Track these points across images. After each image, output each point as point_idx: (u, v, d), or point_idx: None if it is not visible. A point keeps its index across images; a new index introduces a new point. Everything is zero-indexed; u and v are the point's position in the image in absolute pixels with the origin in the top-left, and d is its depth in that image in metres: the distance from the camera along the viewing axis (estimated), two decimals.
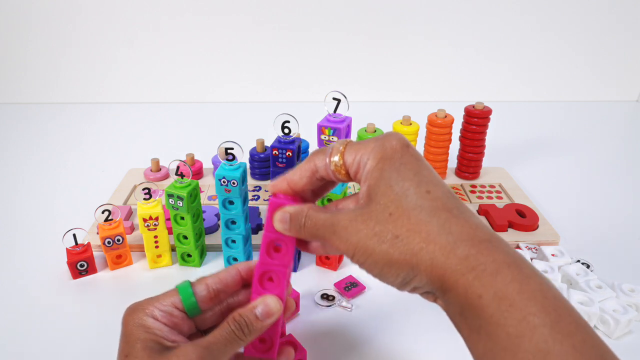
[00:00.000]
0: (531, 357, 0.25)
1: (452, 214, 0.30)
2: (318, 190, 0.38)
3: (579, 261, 0.60)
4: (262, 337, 0.38)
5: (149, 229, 0.57)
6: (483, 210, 0.68)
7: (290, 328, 0.51)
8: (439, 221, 0.29)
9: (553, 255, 0.59)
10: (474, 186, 0.77)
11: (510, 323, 0.26)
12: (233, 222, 0.56)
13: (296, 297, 0.52)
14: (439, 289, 0.29)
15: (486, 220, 0.67)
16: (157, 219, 0.57)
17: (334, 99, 0.51)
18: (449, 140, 0.76)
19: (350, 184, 0.77)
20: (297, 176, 0.35)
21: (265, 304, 0.37)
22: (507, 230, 0.65)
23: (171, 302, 0.37)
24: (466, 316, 0.28)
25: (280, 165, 0.53)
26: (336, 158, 0.33)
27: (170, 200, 0.55)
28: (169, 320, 0.36)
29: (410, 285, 0.30)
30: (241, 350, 0.38)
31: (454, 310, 0.29)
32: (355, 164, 0.33)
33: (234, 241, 0.58)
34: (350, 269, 0.60)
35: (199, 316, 0.39)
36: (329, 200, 0.55)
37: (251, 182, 0.77)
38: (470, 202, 0.72)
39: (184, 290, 0.38)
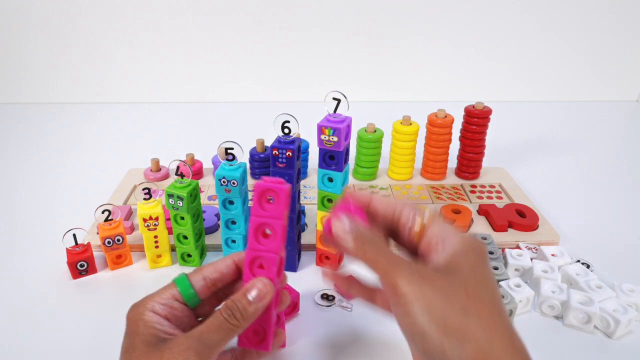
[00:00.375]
0: None
1: (513, 325, 0.31)
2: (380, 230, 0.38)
3: (579, 261, 0.60)
4: (255, 328, 0.39)
5: (149, 229, 0.57)
6: (483, 210, 0.68)
7: (291, 328, 0.51)
8: (504, 323, 0.30)
9: (553, 255, 0.59)
10: (474, 186, 0.77)
11: None
12: (233, 222, 0.57)
13: (296, 296, 0.52)
14: None
15: (486, 220, 0.67)
16: (157, 219, 0.57)
17: (334, 99, 0.51)
18: (449, 140, 0.76)
19: (351, 183, 0.77)
20: (381, 203, 0.37)
21: (256, 286, 0.37)
22: (507, 230, 0.65)
23: (170, 295, 0.38)
24: None
25: (280, 165, 0.53)
26: (425, 219, 0.35)
27: (170, 200, 0.55)
28: (169, 313, 0.37)
29: (445, 356, 0.30)
30: (234, 342, 0.38)
31: None
32: (438, 238, 0.34)
33: (234, 241, 0.58)
34: (351, 269, 0.60)
35: (201, 308, 0.40)
36: (329, 200, 0.55)
37: (251, 182, 0.77)
38: (470, 202, 0.72)
39: (181, 282, 0.39)
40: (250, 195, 0.73)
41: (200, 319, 0.40)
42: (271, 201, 0.37)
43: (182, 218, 0.57)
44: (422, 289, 0.30)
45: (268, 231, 0.38)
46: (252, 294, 0.36)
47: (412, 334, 0.31)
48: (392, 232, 0.38)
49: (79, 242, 0.57)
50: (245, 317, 0.36)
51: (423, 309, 0.30)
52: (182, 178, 0.55)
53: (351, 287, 0.40)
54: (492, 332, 0.29)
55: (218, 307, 0.38)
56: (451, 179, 0.79)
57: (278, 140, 0.53)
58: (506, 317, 0.31)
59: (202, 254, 0.61)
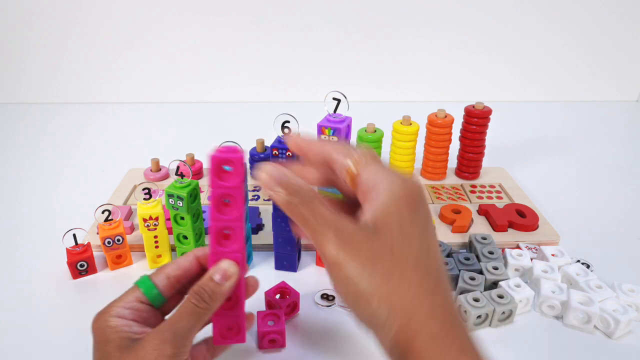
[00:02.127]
0: None
1: (440, 278, 0.31)
2: (318, 178, 0.37)
3: (579, 261, 0.60)
4: (229, 324, 0.39)
5: (149, 229, 0.57)
6: (483, 210, 0.68)
7: (291, 328, 0.51)
8: (427, 285, 0.30)
9: (553, 255, 0.59)
10: (474, 186, 0.77)
11: None
12: None
13: (296, 296, 0.52)
14: (399, 350, 0.29)
15: (486, 220, 0.67)
16: (157, 219, 0.57)
17: (334, 99, 0.51)
18: (449, 140, 0.76)
19: None
20: (313, 147, 0.35)
21: (220, 268, 0.37)
22: (507, 230, 0.65)
23: (134, 298, 0.38)
24: None
25: None
26: (355, 165, 0.33)
27: (170, 200, 0.55)
28: (136, 315, 0.37)
29: (374, 328, 0.30)
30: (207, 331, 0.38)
31: None
32: (370, 183, 0.32)
33: None
34: None
35: (167, 306, 0.40)
36: None
37: (251, 182, 0.77)
38: (470, 202, 0.72)
39: (144, 283, 0.38)
40: (250, 194, 0.74)
41: (167, 317, 0.40)
42: (228, 170, 0.37)
43: (182, 218, 0.56)
44: (349, 256, 0.30)
45: (227, 200, 0.37)
46: (217, 276, 0.36)
47: (345, 300, 0.31)
48: (331, 178, 0.36)
49: (79, 242, 0.57)
50: (213, 299, 0.36)
51: (350, 278, 0.30)
52: (182, 178, 0.55)
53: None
54: (415, 295, 0.29)
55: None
56: (451, 179, 0.79)
57: (278, 140, 0.53)
58: (432, 271, 0.31)
59: None
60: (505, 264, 0.58)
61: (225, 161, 0.36)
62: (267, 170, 0.33)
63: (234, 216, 0.37)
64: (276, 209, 0.57)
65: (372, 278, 0.29)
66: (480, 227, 0.66)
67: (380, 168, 0.33)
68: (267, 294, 0.52)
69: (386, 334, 0.30)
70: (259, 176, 0.33)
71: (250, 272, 0.59)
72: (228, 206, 0.37)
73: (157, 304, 0.39)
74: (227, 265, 0.37)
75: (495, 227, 0.65)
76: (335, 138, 0.51)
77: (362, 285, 0.30)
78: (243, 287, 0.39)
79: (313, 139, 0.36)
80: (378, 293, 0.29)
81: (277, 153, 0.53)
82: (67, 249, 0.57)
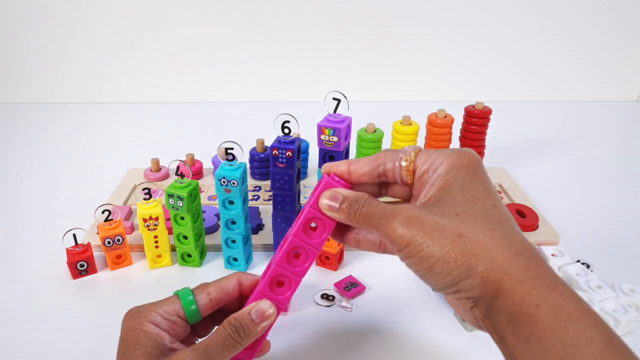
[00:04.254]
0: None
1: (514, 229, 0.31)
2: (370, 188, 0.37)
3: (579, 261, 0.60)
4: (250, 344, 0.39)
5: (149, 229, 0.57)
6: None
7: (291, 328, 0.51)
8: (502, 232, 0.30)
9: (553, 255, 0.59)
10: None
11: (566, 333, 0.27)
12: (233, 222, 0.56)
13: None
14: (489, 294, 0.29)
15: None
16: (157, 219, 0.57)
17: (334, 99, 0.51)
18: (449, 140, 0.76)
19: None
20: (361, 164, 0.35)
21: (259, 307, 0.37)
22: None
23: (173, 310, 0.37)
24: (515, 325, 0.28)
25: (280, 165, 0.53)
26: (412, 154, 0.34)
27: (170, 200, 0.55)
28: (169, 327, 0.36)
29: (458, 286, 0.30)
30: None
31: (500, 318, 0.29)
32: (427, 164, 0.33)
33: (234, 241, 0.58)
34: (351, 269, 0.60)
35: (197, 324, 0.39)
36: None
37: (251, 182, 0.77)
38: None
39: (186, 297, 0.38)
40: (250, 194, 0.74)
41: (200, 340, 0.40)
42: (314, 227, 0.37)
43: (182, 218, 0.57)
44: (415, 231, 0.30)
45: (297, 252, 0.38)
46: (254, 314, 0.37)
47: (421, 274, 0.31)
48: (382, 185, 0.37)
49: (79, 242, 0.57)
50: (248, 336, 0.36)
51: (421, 250, 0.30)
52: (182, 178, 0.55)
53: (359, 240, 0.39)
54: (491, 244, 0.29)
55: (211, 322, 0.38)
56: None
57: (278, 140, 0.53)
58: (504, 223, 0.31)
59: (202, 254, 0.61)
60: None
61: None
62: (326, 196, 0.35)
63: (300, 269, 0.37)
64: (276, 209, 0.57)
65: (442, 242, 0.30)
66: None
67: (432, 151, 0.34)
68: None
69: (471, 284, 0.29)
70: (321, 205, 0.35)
71: (251, 272, 0.59)
72: (297, 258, 0.38)
73: (192, 320, 0.38)
74: (266, 306, 0.37)
75: None
76: (335, 138, 0.51)
77: (434, 252, 0.30)
78: (265, 335, 0.38)
79: (362, 162, 0.36)
80: (452, 253, 0.29)
81: (277, 153, 0.53)
82: (67, 249, 0.57)
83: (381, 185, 0.37)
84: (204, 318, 0.39)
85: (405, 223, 0.31)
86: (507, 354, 0.29)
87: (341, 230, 0.38)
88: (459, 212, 0.30)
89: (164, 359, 0.34)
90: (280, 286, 0.38)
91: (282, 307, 0.38)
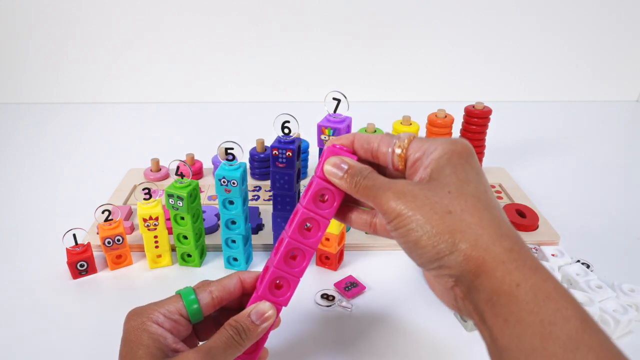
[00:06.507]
0: (562, 344, 0.27)
1: (502, 215, 0.32)
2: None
3: (579, 261, 0.60)
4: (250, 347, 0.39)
5: (149, 229, 0.57)
6: None
7: (291, 328, 0.51)
8: (491, 215, 0.31)
9: (553, 255, 0.59)
10: None
11: (544, 312, 0.27)
12: (233, 222, 0.57)
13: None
14: (471, 272, 0.29)
15: None
16: (157, 219, 0.57)
17: (334, 99, 0.51)
18: None
19: None
20: (363, 139, 0.36)
21: (259, 309, 0.37)
22: None
23: (175, 309, 0.37)
24: (495, 303, 0.29)
25: (280, 165, 0.53)
26: (405, 141, 0.34)
27: (170, 200, 0.55)
28: (172, 327, 0.36)
29: (441, 262, 0.30)
30: None
31: (480, 297, 0.29)
32: (420, 151, 0.34)
33: (234, 241, 0.58)
34: (351, 269, 0.60)
35: (199, 323, 0.39)
36: None
37: (251, 182, 0.77)
38: None
39: (187, 296, 0.38)
40: (250, 194, 0.74)
41: (201, 343, 0.40)
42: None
43: (182, 218, 0.57)
44: (406, 205, 0.31)
45: (293, 254, 0.38)
46: (254, 316, 0.37)
47: (407, 247, 0.32)
48: (376, 167, 0.37)
49: (79, 242, 0.57)
50: (249, 337, 0.36)
51: (409, 223, 0.31)
52: (182, 178, 0.55)
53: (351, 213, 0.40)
54: (478, 224, 0.30)
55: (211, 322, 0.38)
56: None
57: (278, 140, 0.53)
58: (492, 207, 0.31)
59: (202, 254, 0.61)
60: None
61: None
62: (331, 162, 0.36)
63: (298, 270, 0.38)
64: (276, 209, 0.57)
65: (431, 217, 0.30)
66: None
67: (426, 139, 0.35)
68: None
69: (454, 260, 0.30)
70: (325, 169, 0.36)
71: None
72: (294, 259, 0.38)
73: (194, 320, 0.38)
74: (266, 308, 0.37)
75: None
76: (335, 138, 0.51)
77: (422, 226, 0.30)
78: (265, 338, 0.38)
79: (357, 136, 0.37)
80: (439, 227, 0.30)
81: (277, 153, 0.53)
82: (67, 249, 0.57)
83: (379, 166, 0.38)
84: (204, 317, 0.39)
85: (398, 195, 0.32)
86: (486, 334, 0.30)
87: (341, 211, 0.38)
88: (452, 190, 0.31)
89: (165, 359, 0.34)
90: (279, 288, 0.38)
91: (282, 308, 0.38)
